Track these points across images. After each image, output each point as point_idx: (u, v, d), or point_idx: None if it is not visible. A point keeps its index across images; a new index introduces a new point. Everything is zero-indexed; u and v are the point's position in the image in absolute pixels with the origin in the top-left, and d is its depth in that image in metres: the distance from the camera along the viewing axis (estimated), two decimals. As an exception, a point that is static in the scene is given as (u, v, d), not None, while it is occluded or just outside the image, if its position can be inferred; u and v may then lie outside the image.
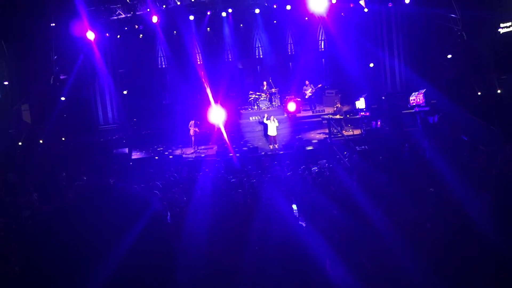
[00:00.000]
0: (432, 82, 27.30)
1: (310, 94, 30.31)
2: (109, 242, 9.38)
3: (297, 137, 27.65)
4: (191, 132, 27.14)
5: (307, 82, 30.53)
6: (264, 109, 29.14)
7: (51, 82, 27.25)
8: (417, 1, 28.70)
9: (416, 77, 28.61)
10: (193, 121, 27.18)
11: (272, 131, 26.54)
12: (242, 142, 27.83)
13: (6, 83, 25.74)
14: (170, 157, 26.54)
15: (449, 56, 29.07)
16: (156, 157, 26.25)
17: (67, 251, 8.20)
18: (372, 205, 14.34)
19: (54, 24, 27.38)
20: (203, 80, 30.55)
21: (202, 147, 27.53)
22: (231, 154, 25.72)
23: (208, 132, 28.07)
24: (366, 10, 30.04)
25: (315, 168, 20.27)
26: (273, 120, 26.60)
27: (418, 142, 21.28)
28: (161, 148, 28.07)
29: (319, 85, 31.03)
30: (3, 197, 18.50)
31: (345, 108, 28.05)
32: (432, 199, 14.29)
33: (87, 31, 27.25)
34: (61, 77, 27.93)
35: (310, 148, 25.56)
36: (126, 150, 27.07)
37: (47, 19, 27.24)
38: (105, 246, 9.39)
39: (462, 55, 28.53)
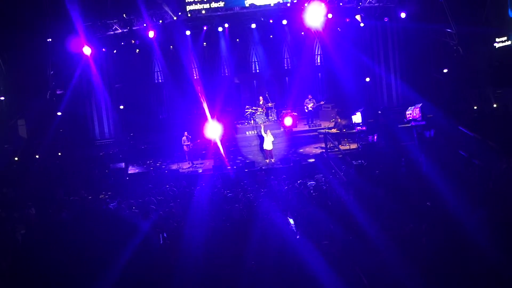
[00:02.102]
0: (428, 97, 27.32)
1: (311, 108, 30.36)
2: (103, 261, 9.36)
3: (293, 151, 27.67)
4: (185, 148, 27.20)
5: (310, 96, 30.61)
6: (261, 123, 29.11)
7: (48, 97, 27.32)
8: (413, 16, 28.79)
9: (412, 91, 28.58)
10: (185, 136, 27.23)
11: (268, 145, 26.56)
12: (238, 156, 27.80)
13: (2, 98, 25.80)
14: (166, 171, 26.59)
15: (445, 70, 29.14)
16: (153, 172, 26.21)
17: (61, 269, 8.21)
18: (368, 220, 14.31)
19: (50, 40, 27.47)
20: (200, 94, 30.60)
21: (199, 161, 27.52)
22: (228, 167, 25.77)
23: (205, 146, 28.09)
24: (362, 25, 30.14)
25: (311, 183, 20.26)
26: (269, 134, 26.65)
27: (414, 156, 21.26)
28: (158, 163, 28.04)
29: (321, 102, 31.09)
30: (-1, 212, 18.46)
31: (343, 122, 28.10)
32: (428, 213, 14.28)
33: (83, 46, 27.35)
34: (57, 92, 27.98)
35: (306, 162, 25.54)
36: (123, 165, 27.02)
37: (43, 34, 27.36)
38: (99, 265, 9.37)
39: (458, 69, 28.63)
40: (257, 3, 28.93)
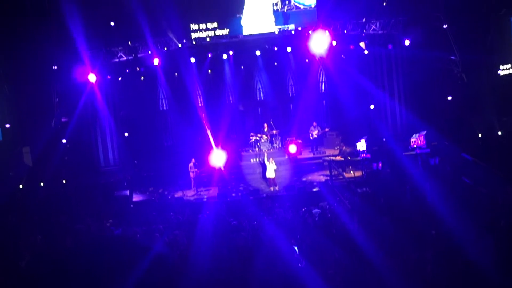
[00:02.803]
0: (432, 124, 27.31)
1: (316, 136, 30.41)
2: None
3: (298, 178, 27.67)
4: (191, 174, 27.24)
5: (314, 124, 30.74)
6: (265, 150, 29.15)
7: (53, 124, 27.35)
8: (417, 44, 28.80)
9: (416, 118, 28.57)
10: (192, 163, 27.30)
11: (270, 173, 26.60)
12: (243, 184, 27.79)
13: (7, 126, 25.85)
14: (169, 197, 26.60)
15: (449, 97, 29.11)
16: (157, 200, 26.21)
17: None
18: (373, 248, 14.25)
19: (56, 67, 27.59)
20: (204, 121, 30.70)
21: (203, 189, 27.54)
22: (233, 195, 25.78)
23: (209, 174, 28.11)
24: (366, 52, 30.23)
25: (316, 210, 20.19)
26: (272, 162, 26.70)
27: (419, 184, 21.20)
28: (161, 190, 28.03)
29: (326, 129, 31.13)
30: (3, 241, 18.42)
31: (347, 150, 28.14)
32: (433, 241, 14.22)
33: (88, 74, 27.44)
34: (62, 119, 28.01)
35: (311, 190, 25.52)
36: (127, 192, 27.04)
37: (49, 62, 27.49)
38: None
39: (463, 96, 28.61)
40: (262, 31, 29.18)
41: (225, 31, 29.00)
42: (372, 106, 31.09)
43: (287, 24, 29.34)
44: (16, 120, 26.87)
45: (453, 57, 28.55)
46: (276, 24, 29.31)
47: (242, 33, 29.39)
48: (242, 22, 29.06)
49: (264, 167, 27.23)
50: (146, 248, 16.30)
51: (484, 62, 27.98)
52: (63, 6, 26.88)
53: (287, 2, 29.02)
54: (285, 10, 29.06)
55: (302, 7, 29.12)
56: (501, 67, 27.96)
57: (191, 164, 27.44)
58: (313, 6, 29.09)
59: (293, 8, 29.10)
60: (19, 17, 26.05)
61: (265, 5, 29.00)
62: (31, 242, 18.33)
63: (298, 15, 29.27)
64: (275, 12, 29.12)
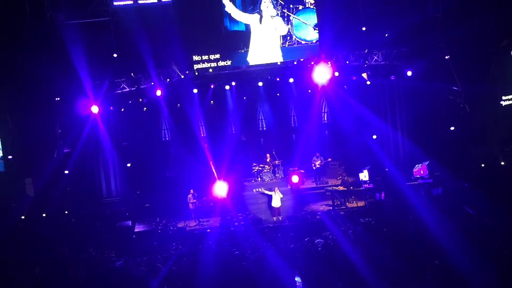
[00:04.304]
0: (435, 154, 27.33)
1: (319, 166, 30.41)
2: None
3: (301, 208, 27.59)
4: (190, 205, 27.29)
5: (317, 154, 30.76)
6: (268, 181, 29.16)
7: (55, 155, 27.37)
8: (419, 74, 28.93)
9: (419, 149, 28.63)
10: (191, 194, 27.37)
11: (276, 202, 26.60)
12: (245, 214, 27.74)
13: (10, 157, 25.95)
14: (172, 228, 26.55)
15: (452, 128, 29.13)
16: (159, 230, 26.19)
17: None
18: (376, 278, 14.20)
19: (58, 99, 27.70)
20: (207, 152, 30.73)
21: (205, 219, 27.51)
22: (235, 225, 25.75)
23: (211, 204, 28.09)
24: (368, 83, 30.31)
25: (319, 240, 20.13)
26: (277, 191, 26.73)
27: (422, 214, 21.17)
28: (164, 221, 27.97)
29: (329, 159, 31.12)
30: (4, 272, 18.38)
31: (350, 180, 28.11)
32: (436, 272, 14.17)
33: (91, 105, 27.49)
34: (65, 150, 28.02)
35: (314, 220, 25.46)
36: (130, 223, 27.03)
37: (52, 93, 27.62)
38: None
39: (465, 127, 28.68)
40: (264, 62, 29.33)
41: (228, 62, 29.12)
42: (374, 136, 31.03)
43: (290, 59, 29.60)
44: (19, 151, 27.03)
45: (455, 88, 28.65)
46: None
47: (244, 64, 29.54)
48: (249, 54, 29.18)
49: (269, 196, 27.23)
50: (146, 282, 16.30)
51: (486, 93, 28.13)
52: (66, 38, 27.19)
53: (288, 38, 29.16)
54: (287, 46, 29.21)
55: (303, 42, 29.26)
56: (504, 97, 28.11)
57: (190, 195, 27.49)
58: (314, 41, 29.23)
59: (295, 43, 29.24)
60: (22, 49, 26.26)
61: (273, 37, 29.19)
62: (31, 274, 18.29)
63: (300, 50, 29.42)
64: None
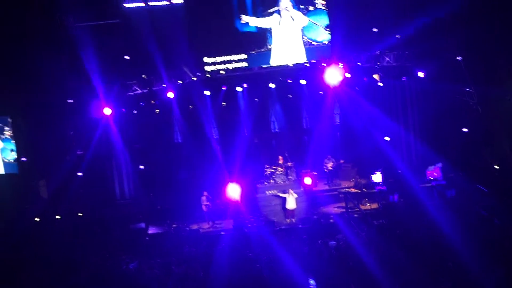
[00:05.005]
0: (448, 156, 27.31)
1: (331, 168, 30.40)
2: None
3: (314, 211, 27.57)
4: (204, 207, 27.34)
5: (329, 156, 30.77)
6: (280, 183, 29.10)
7: (68, 157, 27.50)
8: (431, 75, 28.82)
9: (432, 150, 28.52)
10: (204, 196, 27.42)
11: (290, 204, 26.63)
12: (258, 216, 27.72)
13: (24, 159, 26.09)
14: (185, 230, 26.57)
15: (465, 129, 29.00)
16: (172, 233, 26.22)
17: None
18: (390, 280, 14.20)
19: (71, 101, 27.82)
20: (219, 154, 30.77)
21: (219, 221, 27.55)
22: (249, 227, 25.75)
23: (225, 206, 28.09)
24: (380, 84, 30.27)
25: (332, 243, 20.14)
26: (291, 193, 26.75)
27: (435, 216, 21.14)
28: (177, 223, 27.94)
29: (341, 161, 31.13)
30: (18, 274, 18.48)
31: (363, 182, 28.11)
32: (450, 274, 14.16)
33: (103, 107, 27.60)
34: (78, 152, 28.14)
35: (327, 222, 25.42)
36: (143, 225, 27.10)
37: (64, 95, 27.75)
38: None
39: (478, 128, 28.55)
40: (276, 64, 29.36)
41: (239, 64, 29.19)
42: (387, 138, 30.94)
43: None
44: (33, 154, 27.13)
45: (467, 89, 28.52)
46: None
47: (256, 66, 29.68)
48: (272, 55, 29.35)
49: (282, 199, 27.25)
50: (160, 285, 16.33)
51: (499, 93, 27.95)
52: (77, 40, 27.24)
53: (301, 38, 29.19)
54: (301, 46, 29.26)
55: (315, 43, 29.29)
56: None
57: (203, 197, 27.55)
58: (326, 42, 29.25)
59: (306, 44, 29.27)
60: (34, 52, 26.31)
61: (294, 35, 29.27)
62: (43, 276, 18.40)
63: (311, 51, 29.46)
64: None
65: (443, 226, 19.50)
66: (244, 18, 28.90)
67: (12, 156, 26.78)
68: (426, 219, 21.06)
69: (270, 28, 29.18)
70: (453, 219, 20.04)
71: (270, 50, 29.38)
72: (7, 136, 26.81)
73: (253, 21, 29.01)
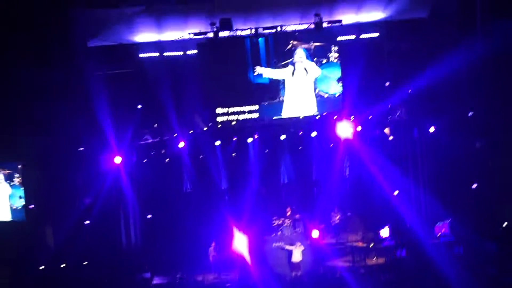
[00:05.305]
0: (457, 212, 27.19)
1: (338, 221, 30.27)
2: None
3: (320, 264, 27.40)
4: (211, 258, 27.26)
5: (336, 209, 30.59)
6: (288, 235, 29.00)
7: (76, 205, 27.56)
8: (442, 129, 28.91)
9: (441, 206, 28.41)
10: (212, 247, 27.36)
11: (297, 257, 26.49)
12: (265, 268, 27.54)
13: (31, 206, 26.20)
14: (190, 281, 26.46)
15: (475, 185, 28.90)
16: (177, 283, 26.13)
17: None
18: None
19: (82, 148, 27.99)
20: (227, 205, 30.72)
21: (225, 272, 27.40)
22: (255, 279, 25.60)
23: (231, 258, 27.97)
24: (391, 138, 30.30)
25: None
26: (298, 245, 26.63)
27: (444, 272, 21.04)
28: (182, 273, 27.81)
29: (348, 214, 30.98)
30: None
31: (370, 236, 27.98)
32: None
33: (114, 155, 27.76)
34: (86, 200, 28.19)
35: (334, 276, 25.27)
36: (148, 274, 27.00)
37: (75, 142, 27.93)
38: None
39: (488, 184, 28.45)
40: (287, 116, 29.47)
41: (251, 115, 29.35)
42: (396, 192, 30.82)
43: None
44: (41, 200, 27.21)
45: (478, 144, 28.51)
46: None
47: (268, 117, 29.79)
48: (284, 107, 29.57)
49: (288, 251, 27.13)
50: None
51: (510, 149, 27.94)
52: (91, 87, 27.53)
53: (314, 90, 29.36)
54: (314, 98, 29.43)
55: (326, 95, 29.43)
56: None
57: (211, 248, 27.48)
58: (338, 95, 29.38)
59: (318, 96, 29.40)
60: (46, 98, 26.60)
61: (307, 87, 29.46)
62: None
63: (323, 103, 29.59)
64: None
65: (451, 283, 19.39)
66: (258, 70, 29.12)
67: (20, 203, 26.91)
68: (434, 276, 20.92)
69: (283, 80, 29.39)
70: (461, 276, 19.93)
71: (282, 101, 29.51)
72: (17, 183, 26.99)
73: (267, 72, 29.21)
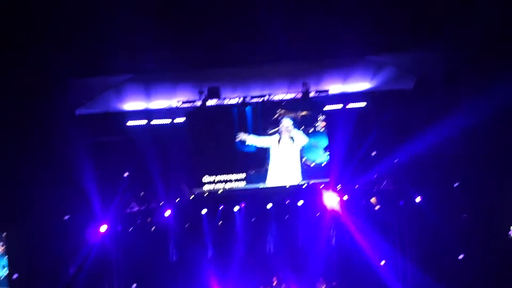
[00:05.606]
0: (445, 284, 27.08)
1: (323, 291, 30.15)
2: None
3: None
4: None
5: (321, 279, 30.36)
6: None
7: (61, 275, 27.24)
8: (429, 200, 29.01)
9: (428, 277, 28.36)
10: None
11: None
12: None
13: (15, 276, 25.93)
14: None
15: (461, 256, 28.88)
16: None
17: None
18: None
19: (67, 217, 27.81)
20: (214, 274, 30.45)
21: None
22: None
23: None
24: (377, 207, 30.31)
25: None
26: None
27: None
28: None
29: (333, 283, 30.74)
30: None
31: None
32: None
33: (100, 224, 27.61)
34: (70, 270, 27.85)
35: None
36: None
37: (60, 211, 27.79)
38: None
39: (476, 255, 28.44)
40: (273, 184, 29.46)
41: (238, 183, 29.35)
42: (383, 262, 30.72)
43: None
44: (25, 270, 26.86)
45: (465, 215, 28.58)
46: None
47: (255, 186, 29.76)
48: (268, 176, 29.71)
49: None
50: None
51: (497, 221, 28.05)
52: (77, 156, 27.44)
53: (299, 159, 29.45)
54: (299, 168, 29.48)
55: (313, 164, 29.51)
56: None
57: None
58: (324, 164, 29.50)
59: (304, 165, 29.54)
60: (31, 166, 26.50)
61: (293, 156, 29.62)
62: None
63: (309, 172, 29.74)
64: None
65: None
66: (242, 136, 29.24)
67: (4, 272, 26.57)
68: None
69: (269, 148, 29.46)
70: None
71: (268, 170, 29.59)
72: (0, 252, 26.67)
73: (251, 140, 29.32)
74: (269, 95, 29.15)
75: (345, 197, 29.78)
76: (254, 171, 29.55)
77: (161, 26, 24.70)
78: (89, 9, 24.50)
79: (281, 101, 29.42)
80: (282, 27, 25.06)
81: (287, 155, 29.47)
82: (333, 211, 30.48)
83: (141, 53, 26.45)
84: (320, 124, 29.57)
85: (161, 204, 29.37)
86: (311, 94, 29.06)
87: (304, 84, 28.62)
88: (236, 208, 31.20)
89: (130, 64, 26.86)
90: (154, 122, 29.30)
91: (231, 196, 30.33)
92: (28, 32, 24.83)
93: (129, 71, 27.43)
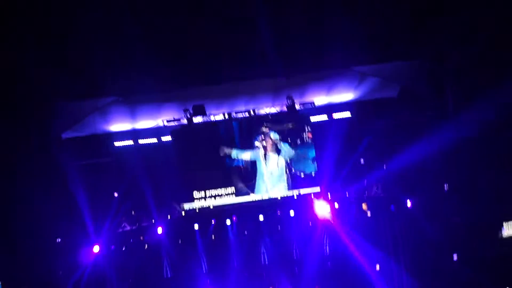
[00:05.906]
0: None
1: (318, 301, 30.28)
2: None
3: None
4: None
5: (316, 287, 30.40)
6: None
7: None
8: (420, 205, 29.09)
9: (422, 282, 28.45)
10: None
11: None
12: None
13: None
14: None
15: (455, 257, 28.94)
16: None
17: None
18: None
19: (59, 240, 27.88)
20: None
21: None
22: None
23: None
24: (369, 214, 30.40)
25: None
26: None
27: None
28: None
29: None
30: None
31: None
32: None
33: (92, 245, 27.69)
34: (65, 291, 28.02)
35: None
36: None
37: (53, 233, 27.85)
38: None
39: (470, 257, 28.50)
40: (262, 197, 29.59)
41: (228, 198, 29.50)
42: (377, 267, 30.82)
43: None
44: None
45: (457, 219, 28.66)
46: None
47: (246, 199, 29.96)
48: (256, 188, 30.03)
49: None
50: None
51: (489, 224, 28.12)
52: (68, 176, 27.54)
53: (287, 170, 29.55)
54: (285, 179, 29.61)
55: (302, 175, 29.63)
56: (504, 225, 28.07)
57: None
58: (313, 174, 29.64)
59: (293, 176, 29.76)
60: (22, 188, 26.57)
61: (279, 168, 29.90)
62: None
63: (299, 182, 30.01)
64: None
65: None
66: (225, 151, 29.41)
67: (-4, 294, 26.70)
68: None
69: (256, 161, 29.60)
70: None
71: (256, 183, 29.75)
72: (-7, 275, 26.78)
73: (236, 154, 29.51)
74: (254, 110, 29.30)
75: (336, 205, 29.80)
76: (243, 185, 29.68)
77: (145, 48, 24.77)
78: (73, 34, 24.55)
79: (267, 115, 29.57)
80: (265, 44, 25.13)
81: (274, 168, 29.64)
82: (325, 219, 30.51)
83: (126, 75, 26.55)
84: (307, 135, 29.68)
85: (153, 222, 29.38)
86: (297, 107, 29.25)
87: (289, 98, 28.77)
88: (228, 222, 31.31)
89: (115, 86, 26.97)
90: (141, 141, 29.41)
91: (223, 210, 30.45)
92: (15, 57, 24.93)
93: (115, 93, 27.49)
